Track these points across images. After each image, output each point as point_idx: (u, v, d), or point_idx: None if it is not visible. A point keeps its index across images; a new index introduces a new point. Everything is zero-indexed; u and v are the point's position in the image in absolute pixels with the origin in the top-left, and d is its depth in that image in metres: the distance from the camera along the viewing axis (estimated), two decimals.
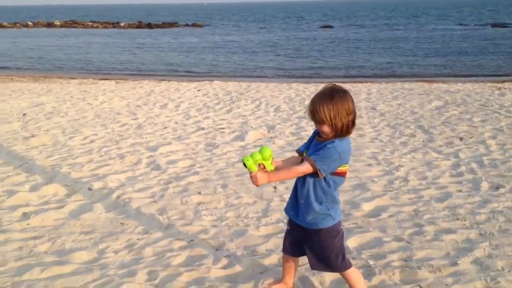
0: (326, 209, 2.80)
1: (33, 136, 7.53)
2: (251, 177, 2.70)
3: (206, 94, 11.54)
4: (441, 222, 4.31)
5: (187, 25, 60.99)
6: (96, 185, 5.37)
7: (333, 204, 2.83)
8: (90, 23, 63.12)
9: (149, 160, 6.34)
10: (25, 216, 4.59)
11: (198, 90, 12.23)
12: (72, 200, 4.98)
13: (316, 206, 2.79)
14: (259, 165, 2.72)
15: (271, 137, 7.35)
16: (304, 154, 2.86)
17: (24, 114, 9.25)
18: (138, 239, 4.14)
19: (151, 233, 4.25)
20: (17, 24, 63.28)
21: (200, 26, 59.63)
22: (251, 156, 2.70)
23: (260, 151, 2.74)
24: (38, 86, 13.76)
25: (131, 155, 6.53)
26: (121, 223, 4.46)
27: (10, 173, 5.75)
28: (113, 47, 31.79)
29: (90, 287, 3.36)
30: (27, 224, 4.41)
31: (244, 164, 2.68)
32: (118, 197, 5.05)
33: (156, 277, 3.50)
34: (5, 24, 62.97)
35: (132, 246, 4.00)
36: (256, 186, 2.74)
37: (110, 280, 3.44)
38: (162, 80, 15.64)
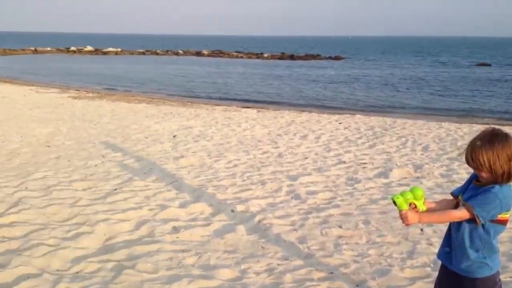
0: (482, 258, 2.70)
1: (182, 156, 8.27)
2: (400, 215, 2.66)
3: (347, 128, 11.63)
4: None
5: (330, 57, 61.90)
6: (239, 207, 5.73)
7: (491, 253, 2.72)
8: (235, 53, 67.26)
9: (289, 188, 6.57)
10: (175, 229, 5.06)
11: (340, 123, 12.37)
12: (216, 220, 5.36)
13: (471, 253, 2.70)
14: (410, 204, 2.72)
15: (418, 177, 7.18)
16: (460, 197, 2.80)
17: (174, 136, 10.18)
18: (278, 264, 4.33)
19: (291, 260, 4.42)
20: (169, 52, 69.84)
21: (342, 58, 60.23)
22: (401, 194, 2.68)
23: (411, 190, 2.72)
24: (186, 110, 15.01)
25: (271, 182, 6.83)
26: (262, 247, 4.70)
27: (162, 189, 6.37)
28: (251, 77, 33.39)
29: None
30: (177, 237, 4.86)
31: (394, 202, 2.67)
32: (259, 221, 5.32)
33: None
34: (158, 51, 69.96)
35: (272, 270, 4.20)
36: (406, 225, 2.71)
37: None
38: (303, 111, 16.07)
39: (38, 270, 4.04)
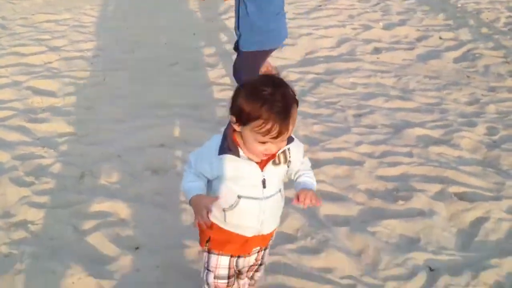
0: None
1: None
2: None
3: None
4: None
5: None
6: (445, 35, 5.45)
7: None
8: None
9: (508, 20, 6.02)
10: (376, 50, 5.10)
11: None
12: (422, 45, 5.23)
13: None
14: None
15: None
16: None
17: None
18: (482, 94, 4.20)
19: (497, 92, 4.24)
20: None
21: None
22: None
23: None
24: None
25: (488, 11, 6.25)
26: (468, 76, 4.55)
27: (368, 10, 6.25)
28: None
29: (429, 125, 3.69)
30: (377, 58, 4.92)
31: None
32: (468, 51, 5.08)
33: (496, 133, 3.59)
34: None
35: (475, 100, 4.11)
36: None
37: (449, 124, 3.69)
38: None
39: None
